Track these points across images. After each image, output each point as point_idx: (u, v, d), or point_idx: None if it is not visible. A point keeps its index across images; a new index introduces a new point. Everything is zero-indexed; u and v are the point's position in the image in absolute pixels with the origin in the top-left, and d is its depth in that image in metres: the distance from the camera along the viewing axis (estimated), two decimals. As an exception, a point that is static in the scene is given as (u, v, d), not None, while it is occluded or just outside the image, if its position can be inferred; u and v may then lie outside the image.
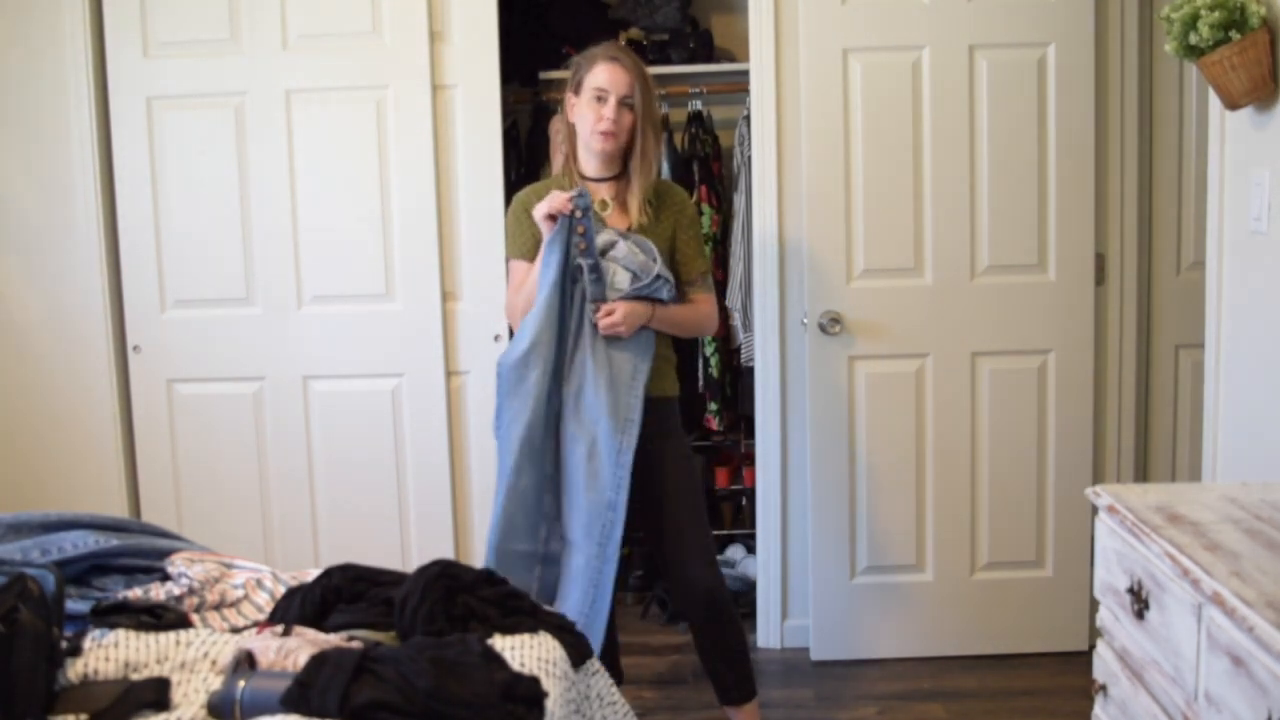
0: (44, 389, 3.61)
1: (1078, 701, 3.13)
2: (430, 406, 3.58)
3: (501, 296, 3.26)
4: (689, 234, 2.85)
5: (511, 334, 2.87)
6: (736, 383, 3.99)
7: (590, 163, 2.82)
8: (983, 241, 3.44)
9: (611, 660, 2.91)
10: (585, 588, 2.70)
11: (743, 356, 3.84)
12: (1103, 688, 2.01)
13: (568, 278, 2.70)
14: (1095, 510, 2.01)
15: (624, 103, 2.72)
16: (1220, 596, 1.51)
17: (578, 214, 2.65)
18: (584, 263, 2.68)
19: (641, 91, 2.74)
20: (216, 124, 3.51)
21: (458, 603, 2.03)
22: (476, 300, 3.56)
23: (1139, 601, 1.81)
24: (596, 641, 2.72)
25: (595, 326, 2.70)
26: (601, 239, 2.72)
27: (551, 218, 2.66)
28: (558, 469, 2.75)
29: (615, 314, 2.69)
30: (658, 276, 2.73)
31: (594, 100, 2.73)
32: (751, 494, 3.99)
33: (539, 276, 2.71)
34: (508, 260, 2.91)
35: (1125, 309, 3.52)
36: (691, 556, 2.79)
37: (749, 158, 3.63)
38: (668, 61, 4.00)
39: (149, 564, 2.23)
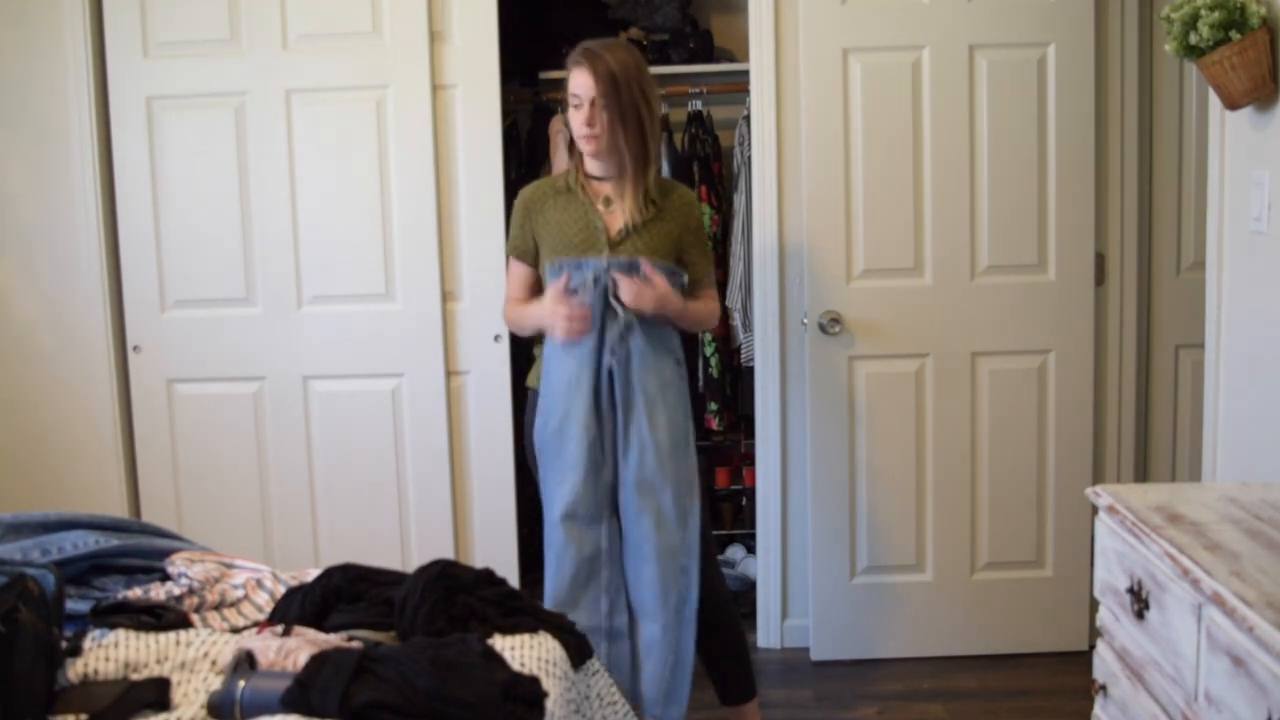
0: (44, 389, 3.61)
1: (1078, 701, 3.13)
2: (430, 406, 3.58)
3: (501, 298, 3.25)
4: (695, 238, 2.84)
5: (513, 335, 2.85)
6: (736, 383, 3.99)
7: (591, 163, 2.81)
8: (983, 241, 3.45)
9: None
10: (663, 655, 2.68)
11: (743, 356, 3.84)
12: (1103, 688, 2.01)
13: (600, 363, 2.64)
14: (1095, 510, 2.01)
15: (599, 105, 2.66)
16: (1220, 596, 1.51)
17: (592, 283, 2.64)
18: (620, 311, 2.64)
19: (610, 89, 2.63)
20: (216, 124, 3.51)
21: (458, 603, 2.03)
22: (476, 300, 3.56)
23: (1139, 601, 1.81)
24: (680, 709, 2.70)
25: (643, 392, 2.63)
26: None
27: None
28: (617, 541, 2.70)
29: (647, 286, 2.62)
30: (673, 272, 2.74)
31: (573, 107, 2.70)
32: (751, 494, 3.99)
33: (562, 356, 2.66)
34: (508, 255, 2.90)
35: (1125, 309, 3.52)
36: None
37: (749, 158, 3.63)
38: (668, 61, 3.99)
39: (149, 564, 2.23)
